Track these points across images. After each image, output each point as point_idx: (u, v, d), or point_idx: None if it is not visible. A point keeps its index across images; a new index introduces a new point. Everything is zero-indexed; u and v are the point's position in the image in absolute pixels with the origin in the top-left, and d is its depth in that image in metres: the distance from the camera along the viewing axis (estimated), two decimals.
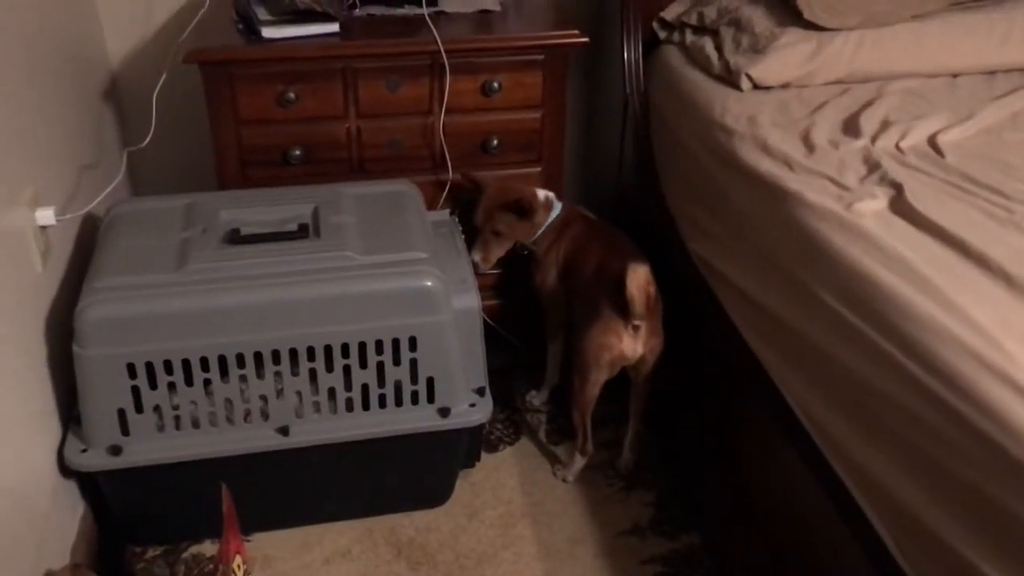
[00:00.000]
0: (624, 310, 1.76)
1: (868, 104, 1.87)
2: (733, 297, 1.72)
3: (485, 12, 2.10)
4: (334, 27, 1.93)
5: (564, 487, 1.96)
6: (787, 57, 1.95)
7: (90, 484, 1.71)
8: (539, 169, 2.11)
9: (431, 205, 2.04)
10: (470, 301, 1.75)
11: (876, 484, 1.28)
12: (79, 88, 2.02)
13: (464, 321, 1.73)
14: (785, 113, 1.86)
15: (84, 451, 1.62)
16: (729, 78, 1.98)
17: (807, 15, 1.97)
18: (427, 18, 1.97)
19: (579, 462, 1.96)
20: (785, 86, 1.97)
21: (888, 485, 1.25)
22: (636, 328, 1.80)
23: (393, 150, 2.03)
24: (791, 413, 1.50)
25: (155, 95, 1.89)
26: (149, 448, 1.63)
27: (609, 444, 2.03)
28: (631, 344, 1.82)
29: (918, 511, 1.19)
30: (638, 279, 1.73)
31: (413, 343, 1.66)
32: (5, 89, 1.53)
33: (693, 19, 2.17)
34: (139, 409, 1.61)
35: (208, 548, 1.78)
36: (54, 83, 1.82)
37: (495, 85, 1.99)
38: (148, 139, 1.89)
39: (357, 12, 2.03)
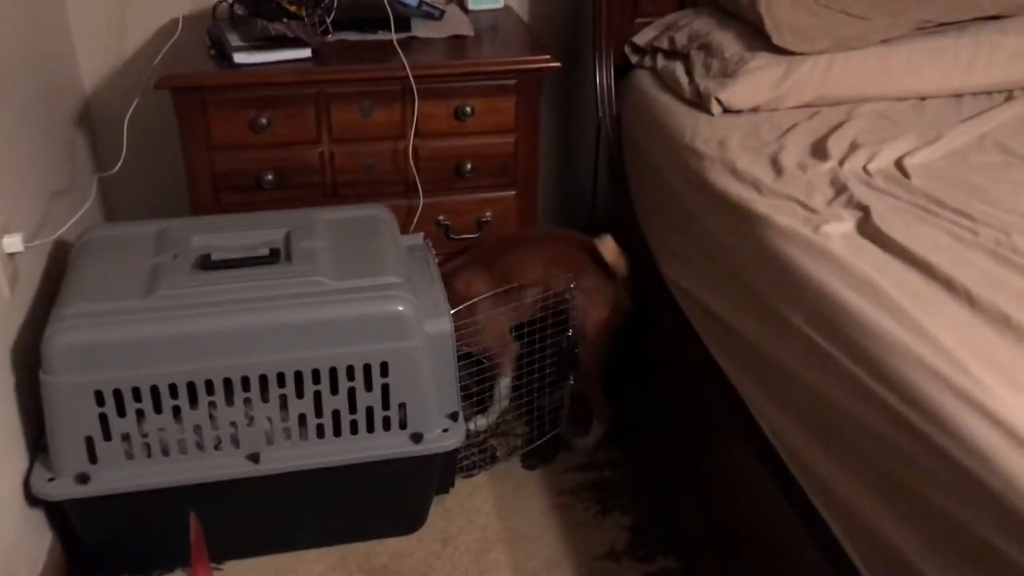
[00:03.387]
0: (600, 279, 1.95)
1: (837, 127, 1.88)
2: (705, 320, 1.72)
3: (459, 37, 2.11)
4: (306, 52, 1.94)
5: (539, 511, 1.95)
6: (757, 81, 1.97)
7: (58, 513, 1.69)
8: (513, 193, 2.13)
9: (404, 229, 2.04)
10: (442, 325, 1.74)
11: (844, 505, 1.28)
12: (50, 113, 2.01)
13: (437, 346, 1.72)
14: (755, 136, 1.88)
15: (51, 480, 1.60)
16: (699, 102, 1.99)
17: (776, 40, 1.99)
18: (395, 44, 1.98)
19: (598, 429, 1.99)
20: (755, 110, 1.98)
21: (856, 505, 1.25)
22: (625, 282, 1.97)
23: (367, 175, 2.03)
24: (763, 435, 1.50)
25: (127, 120, 1.89)
26: (118, 476, 1.62)
27: (586, 467, 2.04)
28: (625, 299, 1.98)
29: (885, 531, 1.19)
30: (609, 247, 1.95)
31: (385, 368, 1.66)
32: None
33: (664, 44, 2.19)
34: (107, 437, 1.59)
35: None
36: (24, 108, 1.81)
37: (468, 110, 2.00)
38: (119, 165, 1.89)
39: (330, 37, 2.04)
